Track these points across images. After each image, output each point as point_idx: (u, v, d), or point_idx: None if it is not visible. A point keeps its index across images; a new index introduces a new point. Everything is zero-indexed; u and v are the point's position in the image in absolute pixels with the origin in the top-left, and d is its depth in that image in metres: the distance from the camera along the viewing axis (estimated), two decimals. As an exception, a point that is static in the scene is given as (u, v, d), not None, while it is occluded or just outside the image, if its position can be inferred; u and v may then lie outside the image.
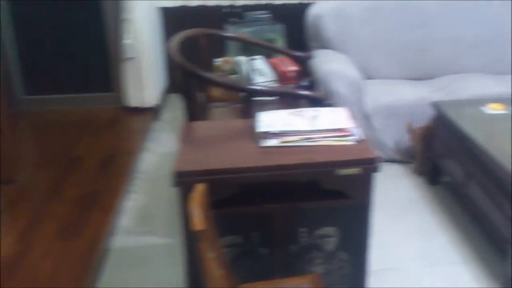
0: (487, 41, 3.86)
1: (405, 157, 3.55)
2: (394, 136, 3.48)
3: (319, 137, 1.98)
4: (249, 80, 3.25)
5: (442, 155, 3.05)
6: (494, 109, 2.96)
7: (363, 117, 3.42)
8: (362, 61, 3.76)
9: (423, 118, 3.38)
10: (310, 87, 3.51)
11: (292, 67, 3.44)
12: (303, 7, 4.10)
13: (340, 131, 2.00)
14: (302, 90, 3.13)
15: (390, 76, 3.83)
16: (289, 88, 3.10)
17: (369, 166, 1.88)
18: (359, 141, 1.98)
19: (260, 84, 3.19)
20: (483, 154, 2.47)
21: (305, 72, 3.52)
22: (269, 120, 2.05)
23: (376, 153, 1.93)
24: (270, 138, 1.96)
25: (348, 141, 1.98)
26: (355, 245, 2.02)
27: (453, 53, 3.86)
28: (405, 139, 3.48)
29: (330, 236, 1.99)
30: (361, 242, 2.01)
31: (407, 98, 3.44)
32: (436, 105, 3.09)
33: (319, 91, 3.40)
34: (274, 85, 3.26)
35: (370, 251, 2.04)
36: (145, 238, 2.81)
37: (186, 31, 2.81)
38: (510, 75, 3.82)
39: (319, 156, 1.88)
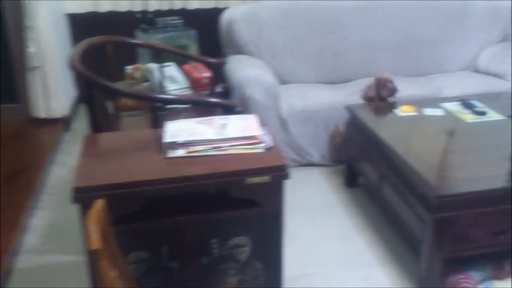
0: (398, 45, 4.00)
1: (323, 161, 3.61)
2: (311, 140, 3.53)
3: (228, 146, 1.97)
4: (161, 87, 3.20)
5: (357, 157, 3.12)
6: (405, 111, 3.05)
7: (280, 122, 3.45)
8: (277, 66, 3.80)
9: (340, 122, 3.46)
10: (224, 94, 3.51)
11: (205, 74, 3.43)
12: (217, 12, 4.08)
13: (249, 139, 1.99)
14: (214, 97, 3.12)
15: (306, 80, 3.89)
16: (199, 95, 3.08)
17: (278, 173, 1.89)
18: (269, 149, 1.98)
19: (172, 91, 3.16)
20: (394, 156, 2.55)
21: (220, 78, 3.51)
22: (176, 130, 2.02)
23: (285, 160, 1.94)
24: (176, 148, 1.93)
25: (257, 149, 1.98)
26: (268, 253, 2.02)
27: (367, 56, 3.97)
28: (323, 143, 3.54)
29: (242, 245, 1.99)
30: (275, 250, 2.02)
31: (323, 102, 3.50)
32: (349, 108, 3.16)
33: (235, 97, 3.40)
34: (187, 92, 3.24)
35: (284, 258, 2.05)
36: (52, 257, 2.70)
37: (90, 39, 2.73)
38: (421, 77, 3.99)
39: (228, 165, 1.87)
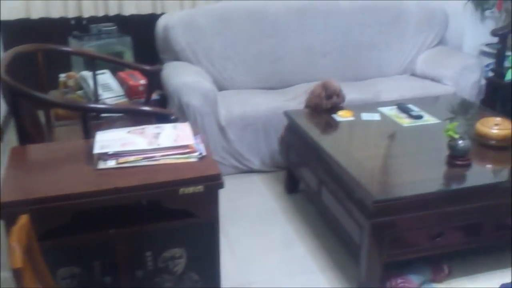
0: (337, 49, 4.08)
1: (264, 167, 3.63)
2: (251, 146, 3.56)
3: (161, 156, 1.97)
4: (95, 95, 3.16)
5: (296, 163, 3.16)
6: (343, 116, 3.11)
7: (219, 129, 3.46)
8: (215, 72, 3.81)
9: (279, 128, 3.49)
10: (161, 101, 3.50)
11: (141, 81, 3.41)
12: (154, 18, 4.06)
13: (182, 148, 2.00)
14: (150, 105, 3.11)
15: (245, 86, 3.91)
16: (135, 103, 3.06)
17: (212, 183, 1.90)
18: (203, 158, 1.99)
19: (107, 99, 3.12)
20: (332, 162, 2.59)
21: (156, 85, 3.50)
22: (107, 140, 2.00)
23: (219, 169, 1.95)
24: (107, 159, 1.91)
25: (191, 158, 1.98)
26: (205, 264, 2.02)
27: (305, 61, 4.03)
28: (263, 149, 3.57)
29: (178, 257, 1.98)
30: (211, 261, 2.02)
31: (262, 108, 3.53)
32: (287, 114, 3.20)
33: (172, 105, 3.39)
34: (122, 100, 3.21)
35: (225, 268, 2.06)
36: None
37: (18, 47, 2.67)
38: (360, 82, 4.08)
39: (160, 175, 1.87)
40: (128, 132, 2.07)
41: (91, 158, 1.94)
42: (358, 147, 2.80)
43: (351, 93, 3.65)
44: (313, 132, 2.94)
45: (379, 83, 4.00)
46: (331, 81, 3.23)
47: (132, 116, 2.89)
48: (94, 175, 1.85)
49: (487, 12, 4.36)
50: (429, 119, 3.07)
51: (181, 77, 3.42)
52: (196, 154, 1.99)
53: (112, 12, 4.37)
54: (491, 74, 4.09)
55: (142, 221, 1.90)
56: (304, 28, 3.99)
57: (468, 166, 2.48)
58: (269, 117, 3.52)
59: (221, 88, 3.85)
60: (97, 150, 1.92)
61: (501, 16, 4.40)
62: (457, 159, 2.49)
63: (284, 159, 3.36)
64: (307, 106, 3.30)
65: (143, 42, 4.18)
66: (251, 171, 3.64)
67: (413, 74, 4.29)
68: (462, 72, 3.91)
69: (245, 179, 3.59)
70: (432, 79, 4.06)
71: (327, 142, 2.80)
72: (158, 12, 4.38)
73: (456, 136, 2.45)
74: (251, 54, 3.90)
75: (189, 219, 1.91)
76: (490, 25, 4.40)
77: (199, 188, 1.87)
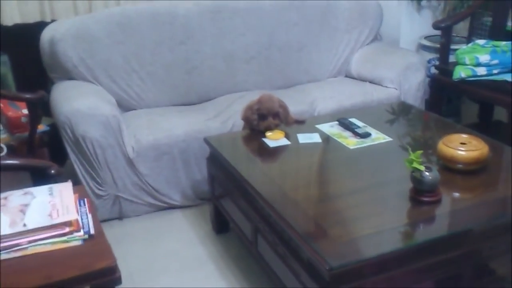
0: (260, 53, 3.56)
1: (186, 201, 3.08)
2: (168, 179, 2.99)
3: (28, 242, 1.38)
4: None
5: (224, 201, 2.63)
6: (274, 139, 2.60)
7: (126, 163, 2.87)
8: (118, 91, 3.21)
9: (200, 154, 2.95)
10: (52, 133, 2.88)
11: (23, 110, 2.79)
12: (43, 28, 3.33)
13: (60, 228, 1.43)
14: (36, 141, 2.51)
15: (156, 104, 3.34)
16: (16, 140, 2.45)
17: (104, 279, 1.33)
18: (90, 238, 1.42)
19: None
20: (268, 207, 2.07)
21: (45, 113, 2.87)
22: None
23: (113, 257, 1.38)
24: None
25: (73, 241, 1.41)
26: None
27: (225, 69, 3.49)
28: (184, 181, 3.01)
29: None
30: None
31: (178, 133, 2.96)
32: (207, 142, 2.65)
33: (64, 137, 2.77)
34: (2, 136, 2.59)
35: None
36: None
37: None
38: (290, 89, 3.59)
39: (24, 278, 1.28)
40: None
41: None
42: (298, 183, 2.27)
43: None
44: (240, 164, 2.40)
45: (313, 90, 3.52)
46: (267, 96, 2.71)
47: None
48: None
49: (424, 2, 3.96)
50: (378, 136, 2.60)
51: (73, 101, 2.80)
52: (80, 234, 1.43)
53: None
54: (434, 71, 3.69)
55: None
56: (222, 31, 3.44)
57: (437, 202, 2.02)
58: (187, 143, 2.96)
59: (128, 108, 3.26)
60: None
61: (439, 5, 4.01)
62: (423, 194, 2.02)
63: (210, 194, 2.82)
64: (244, 128, 2.79)
65: (29, 60, 3.44)
66: (171, 207, 3.07)
67: (348, 76, 3.84)
68: (405, 72, 3.48)
69: (164, 218, 3.03)
70: (371, 81, 3.61)
71: (258, 178, 2.28)
72: (48, 19, 3.65)
73: (422, 168, 1.98)
74: (160, 65, 3.32)
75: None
76: (428, 16, 4.01)
77: (84, 291, 1.31)
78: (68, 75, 3.12)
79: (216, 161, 2.62)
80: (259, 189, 2.16)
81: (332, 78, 3.82)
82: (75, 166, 2.83)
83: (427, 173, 1.99)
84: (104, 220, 2.95)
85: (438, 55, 3.82)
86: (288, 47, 3.64)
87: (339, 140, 2.58)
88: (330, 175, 2.32)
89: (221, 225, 2.82)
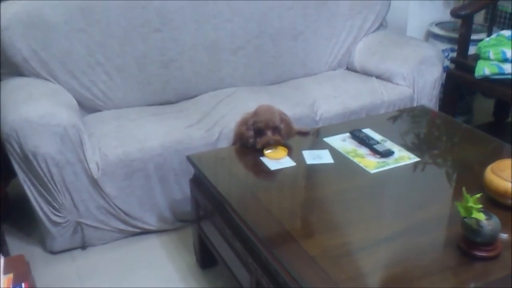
0: (249, 43, 3.03)
1: (164, 225, 2.59)
2: (141, 200, 2.49)
3: None
4: None
5: (209, 231, 2.13)
6: (274, 158, 2.10)
7: (90, 183, 2.35)
8: (80, 88, 2.67)
9: (181, 171, 2.45)
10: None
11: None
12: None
13: None
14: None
15: (126, 104, 2.80)
16: None
17: None
18: None
19: None
20: (271, 257, 1.58)
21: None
22: None
23: None
24: None
25: None
26: None
27: (209, 61, 2.96)
28: (161, 201, 2.51)
29: None
30: None
31: (153, 145, 2.43)
32: (191, 161, 2.14)
33: (10, 153, 2.23)
34: None
35: None
36: None
37: None
38: (284, 85, 3.09)
39: None
40: None
41: None
42: (309, 227, 1.77)
43: (277, 106, 2.61)
44: (233, 195, 1.90)
45: (311, 87, 3.01)
46: (265, 107, 2.21)
47: None
48: None
49: (435, -17, 3.49)
50: (402, 155, 2.13)
51: (21, 108, 2.24)
52: None
53: None
54: (449, 65, 3.23)
55: None
56: (204, 17, 2.89)
57: (496, 258, 1.56)
58: (164, 157, 2.45)
59: (92, 109, 2.74)
60: None
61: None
62: (478, 248, 1.55)
63: (195, 223, 2.33)
64: (234, 142, 2.28)
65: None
66: (146, 231, 2.57)
67: (350, 69, 3.34)
68: (419, 67, 2.99)
69: (137, 245, 2.53)
70: (378, 77, 3.12)
71: (256, 215, 1.78)
72: None
73: (482, 218, 1.51)
74: (131, 57, 2.77)
75: None
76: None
77: None
78: (17, 71, 2.56)
79: (201, 186, 2.11)
80: (259, 232, 1.67)
81: (331, 71, 3.32)
82: (25, 187, 2.29)
83: (485, 222, 1.53)
84: (64, 251, 2.44)
85: (451, 46, 3.36)
86: (281, 35, 3.12)
87: (355, 160, 2.09)
88: (350, 214, 1.81)
89: (207, 258, 2.33)
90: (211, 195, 2.02)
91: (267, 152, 2.13)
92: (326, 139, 2.26)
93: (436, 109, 3.08)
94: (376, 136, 2.26)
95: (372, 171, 2.02)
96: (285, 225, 1.71)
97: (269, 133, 2.14)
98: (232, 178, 2.04)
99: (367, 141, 2.20)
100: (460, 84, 3.10)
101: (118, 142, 2.41)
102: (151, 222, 2.55)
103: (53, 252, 2.45)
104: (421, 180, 2.01)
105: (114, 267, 2.39)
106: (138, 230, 2.55)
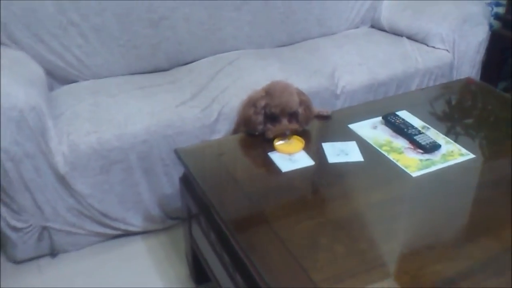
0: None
1: (150, 224, 2.15)
2: (122, 197, 2.04)
3: None
4: None
5: (202, 247, 1.69)
6: (286, 152, 1.64)
7: (56, 180, 1.90)
8: (49, 55, 2.21)
9: (173, 160, 2.00)
10: None
11: None
12: None
13: None
14: None
15: (106, 72, 2.33)
16: None
17: None
18: None
19: None
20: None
21: None
22: None
23: None
24: None
25: None
26: None
27: (207, 20, 2.47)
28: (147, 196, 2.07)
29: None
30: None
31: (136, 130, 1.97)
32: (179, 156, 1.67)
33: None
34: None
35: None
36: None
37: None
38: (297, 47, 2.60)
39: None
40: None
41: None
42: (331, 264, 1.32)
43: (290, 77, 2.13)
44: (226, 208, 1.45)
45: (330, 50, 2.53)
46: (281, 86, 1.73)
47: None
48: None
49: None
50: (452, 150, 1.66)
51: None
52: None
53: None
54: (494, 23, 2.72)
55: None
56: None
57: None
58: (150, 144, 1.99)
59: (65, 80, 2.28)
60: None
61: None
62: None
63: (187, 234, 1.88)
64: (237, 128, 1.83)
65: None
66: (129, 233, 2.13)
67: (376, 27, 2.84)
68: (462, 27, 2.49)
69: (118, 251, 2.10)
70: (410, 37, 2.62)
71: (262, 242, 1.32)
72: None
73: None
74: (111, 15, 2.27)
75: None
76: None
77: None
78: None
79: (192, 190, 1.65)
80: (267, 276, 1.22)
81: (353, 29, 2.81)
82: (-24, 186, 1.85)
83: None
84: (29, 259, 2.02)
85: (495, -1, 2.84)
86: (295, -13, 2.61)
87: (391, 157, 1.62)
88: (389, 241, 1.35)
89: (201, 273, 1.88)
90: (202, 204, 1.57)
91: (278, 144, 1.67)
92: (352, 126, 1.79)
93: (478, 78, 2.59)
94: (416, 122, 1.79)
95: (415, 174, 1.55)
96: (302, 263, 1.26)
97: (284, 120, 1.67)
98: (229, 183, 1.57)
99: (405, 129, 1.73)
100: (506, 47, 2.59)
101: (92, 127, 1.94)
102: (135, 222, 2.11)
103: (17, 262, 2.02)
104: (479, 188, 1.54)
105: (89, 278, 1.97)
106: (119, 232, 2.11)
